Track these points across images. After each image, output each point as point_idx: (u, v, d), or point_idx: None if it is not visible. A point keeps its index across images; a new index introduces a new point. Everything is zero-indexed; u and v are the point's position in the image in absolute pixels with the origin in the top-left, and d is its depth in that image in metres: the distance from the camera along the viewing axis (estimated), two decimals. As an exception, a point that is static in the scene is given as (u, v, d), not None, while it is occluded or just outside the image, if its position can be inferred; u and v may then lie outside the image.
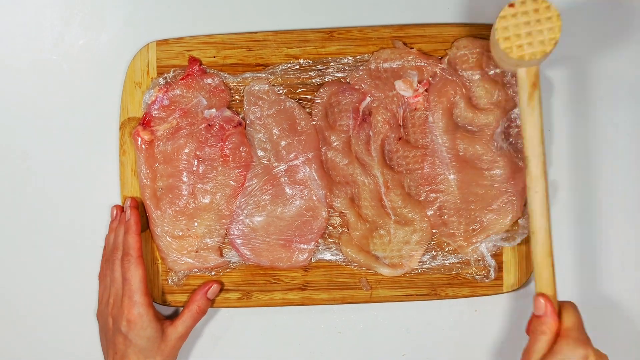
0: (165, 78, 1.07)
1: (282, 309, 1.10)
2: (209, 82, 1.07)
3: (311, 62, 1.08)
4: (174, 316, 1.09)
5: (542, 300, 0.96)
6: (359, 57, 1.08)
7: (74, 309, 1.12)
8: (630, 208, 1.11)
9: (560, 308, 0.96)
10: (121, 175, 1.09)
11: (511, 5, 0.91)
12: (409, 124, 1.07)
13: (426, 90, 1.07)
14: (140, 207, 1.08)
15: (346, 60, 1.08)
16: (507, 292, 1.09)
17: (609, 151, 1.11)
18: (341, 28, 1.08)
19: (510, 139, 1.07)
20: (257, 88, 1.07)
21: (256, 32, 1.08)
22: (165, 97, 1.06)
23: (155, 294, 1.09)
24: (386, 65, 1.07)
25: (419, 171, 1.07)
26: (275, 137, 1.07)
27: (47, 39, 1.12)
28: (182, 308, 1.08)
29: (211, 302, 1.08)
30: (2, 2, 1.12)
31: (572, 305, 0.96)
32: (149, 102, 1.07)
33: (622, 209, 1.11)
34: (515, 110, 1.06)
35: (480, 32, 1.07)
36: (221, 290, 1.09)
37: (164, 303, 1.09)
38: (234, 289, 1.09)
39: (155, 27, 1.10)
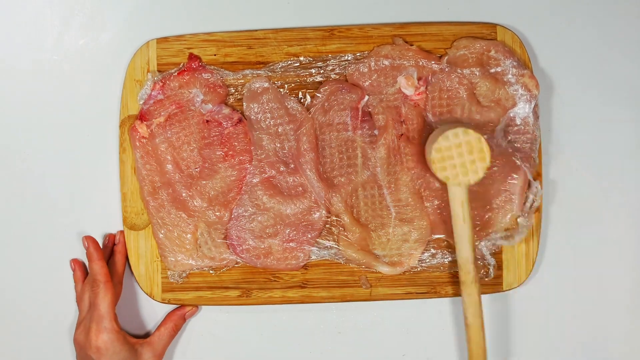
0: (162, 73, 1.08)
1: (281, 307, 1.10)
2: (207, 76, 1.07)
3: (311, 59, 1.08)
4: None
5: None
6: (358, 54, 1.08)
7: (72, 309, 1.12)
8: (630, 207, 1.11)
9: None
10: (121, 172, 1.09)
11: (445, 137, 0.99)
12: (408, 122, 1.07)
13: (426, 88, 1.07)
14: (137, 201, 1.09)
15: (346, 58, 1.08)
16: (506, 290, 1.08)
17: (608, 150, 1.11)
18: (342, 26, 1.08)
19: (509, 137, 1.07)
20: (257, 85, 1.07)
21: (256, 30, 1.09)
22: (160, 92, 1.06)
23: (154, 292, 1.09)
24: (386, 62, 1.07)
25: (419, 169, 1.07)
26: (274, 136, 1.07)
27: (47, 39, 1.12)
28: (183, 307, 1.09)
29: (184, 322, 1.11)
30: (2, 2, 1.12)
31: None
32: (145, 97, 1.07)
33: (623, 209, 1.11)
34: (515, 109, 1.06)
35: (481, 31, 1.08)
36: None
37: (163, 301, 1.09)
38: (233, 287, 1.09)
39: (155, 25, 1.10)
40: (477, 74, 1.06)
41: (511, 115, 1.06)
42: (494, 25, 1.08)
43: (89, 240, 1.08)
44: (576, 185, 1.11)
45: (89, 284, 1.06)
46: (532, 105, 1.06)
